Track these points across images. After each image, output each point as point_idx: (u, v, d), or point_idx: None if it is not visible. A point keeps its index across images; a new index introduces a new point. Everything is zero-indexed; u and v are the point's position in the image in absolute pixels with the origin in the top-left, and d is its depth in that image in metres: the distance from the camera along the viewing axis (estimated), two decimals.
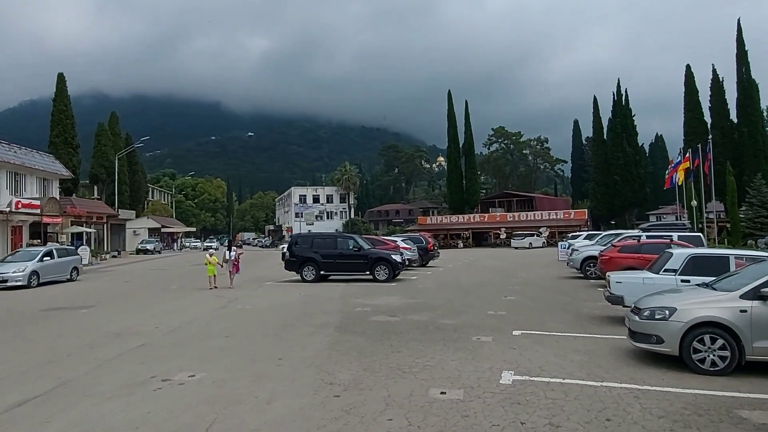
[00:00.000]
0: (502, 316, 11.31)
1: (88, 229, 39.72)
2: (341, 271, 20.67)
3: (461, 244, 62.71)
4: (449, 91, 74.27)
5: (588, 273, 19.82)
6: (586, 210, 66.43)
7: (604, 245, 21.67)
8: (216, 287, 17.91)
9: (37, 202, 31.25)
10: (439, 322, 10.64)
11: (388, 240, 26.25)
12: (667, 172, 42.60)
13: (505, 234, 61.76)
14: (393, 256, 20.15)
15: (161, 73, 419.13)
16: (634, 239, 18.66)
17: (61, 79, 51.67)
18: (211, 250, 21.87)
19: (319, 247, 20.79)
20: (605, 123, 67.81)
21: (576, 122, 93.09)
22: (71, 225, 38.01)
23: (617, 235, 23.92)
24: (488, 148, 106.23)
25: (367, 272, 19.99)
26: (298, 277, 20.40)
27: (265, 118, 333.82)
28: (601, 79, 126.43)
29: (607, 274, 10.78)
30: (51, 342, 9.39)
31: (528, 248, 50.75)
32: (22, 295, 18.13)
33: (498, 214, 69.85)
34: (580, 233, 36.60)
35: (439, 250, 31.62)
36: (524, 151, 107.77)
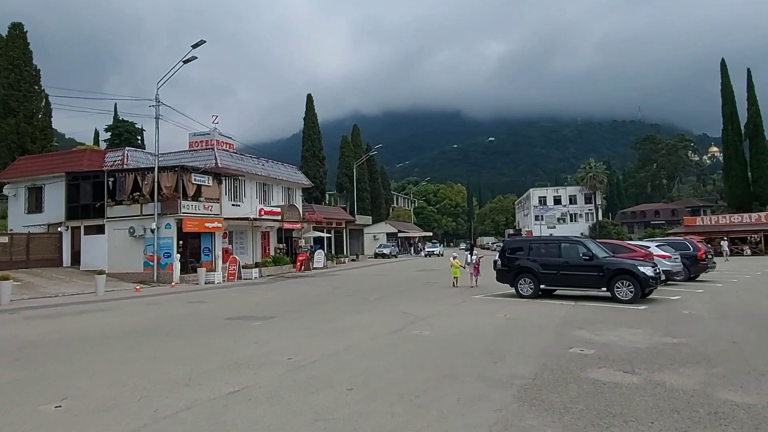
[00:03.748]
0: None
1: (324, 234, 42.16)
2: (567, 286, 16.13)
3: (748, 251, 48.95)
4: (722, 60, 59.67)
5: None
6: None
7: None
8: (457, 286, 19.91)
9: (278, 209, 33.85)
10: (720, 399, 5.76)
11: (635, 246, 20.17)
12: None
13: None
14: (640, 268, 14.63)
15: (407, 90, 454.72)
16: None
17: (309, 99, 57.33)
18: (454, 254, 24.21)
19: (539, 255, 16.51)
20: None
21: None
22: (312, 230, 40.82)
23: None
24: None
25: (604, 288, 15.01)
26: (514, 290, 16.61)
27: (505, 122, 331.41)
28: None
29: None
30: (164, 368, 7.76)
31: None
32: (226, 298, 18.61)
33: None
34: None
35: (714, 260, 23.66)
36: None
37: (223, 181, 29.67)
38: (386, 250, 57.70)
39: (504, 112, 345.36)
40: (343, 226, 49.20)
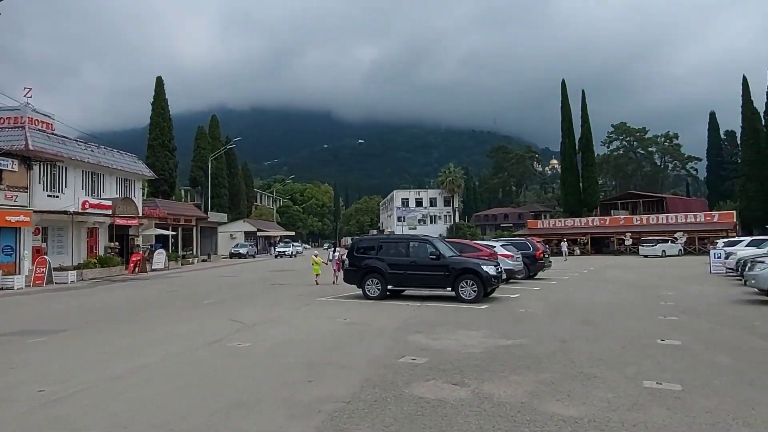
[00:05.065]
0: (678, 395, 5.53)
1: (169, 232, 38.27)
2: (414, 286, 15.66)
3: (578, 251, 54.50)
4: (563, 81, 66.05)
5: None
6: (733, 212, 55.15)
7: None
8: (318, 284, 19.92)
9: (109, 203, 29.61)
10: (546, 413, 5.12)
11: (481, 245, 20.57)
12: None
13: (630, 240, 52.65)
14: (484, 267, 14.57)
15: (277, 87, 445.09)
16: None
17: (159, 82, 51.74)
18: (316, 252, 25.45)
19: (387, 254, 15.81)
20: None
21: (713, 115, 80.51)
22: (155, 228, 36.75)
23: None
24: (607, 147, 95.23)
25: (449, 288, 14.72)
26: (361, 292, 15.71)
27: (374, 126, 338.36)
28: (737, 69, 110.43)
29: None
30: None
31: (661, 257, 42.29)
32: (17, 308, 15.39)
33: (622, 216, 60.29)
34: (742, 239, 29.46)
35: (550, 259, 25.25)
36: (650, 149, 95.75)
37: (35, 167, 25.00)
38: (243, 250, 54.53)
39: (374, 115, 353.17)
40: (194, 223, 45.21)
